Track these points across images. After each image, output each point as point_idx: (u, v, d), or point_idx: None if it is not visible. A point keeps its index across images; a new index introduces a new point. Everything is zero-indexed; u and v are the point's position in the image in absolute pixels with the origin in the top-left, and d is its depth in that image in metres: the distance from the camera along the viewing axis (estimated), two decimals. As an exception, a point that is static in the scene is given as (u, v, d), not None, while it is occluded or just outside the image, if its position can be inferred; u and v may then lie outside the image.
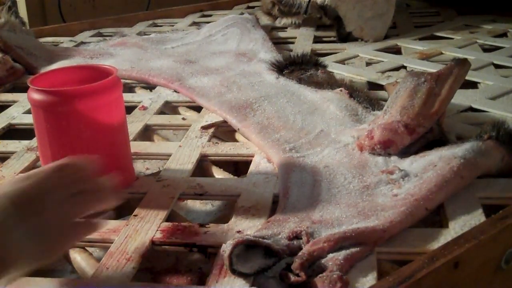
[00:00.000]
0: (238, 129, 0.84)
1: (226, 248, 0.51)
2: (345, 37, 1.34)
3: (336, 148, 0.73)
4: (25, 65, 1.18)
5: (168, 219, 0.63)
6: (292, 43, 1.36)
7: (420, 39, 1.33)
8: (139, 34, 1.48)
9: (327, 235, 0.53)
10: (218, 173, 0.75)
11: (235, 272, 0.50)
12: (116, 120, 0.67)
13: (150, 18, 1.65)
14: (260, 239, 0.51)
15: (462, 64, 0.74)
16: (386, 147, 0.69)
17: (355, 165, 0.69)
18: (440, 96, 0.72)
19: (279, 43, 1.34)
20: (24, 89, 1.03)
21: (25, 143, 0.83)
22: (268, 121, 0.83)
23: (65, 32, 1.52)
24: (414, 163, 0.67)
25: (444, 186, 0.61)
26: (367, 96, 0.87)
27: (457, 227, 0.57)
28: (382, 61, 1.17)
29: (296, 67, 0.99)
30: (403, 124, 0.69)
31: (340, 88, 0.88)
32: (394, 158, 0.69)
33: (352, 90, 0.87)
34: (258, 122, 0.83)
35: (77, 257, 0.59)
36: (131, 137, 0.83)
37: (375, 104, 0.84)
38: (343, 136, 0.76)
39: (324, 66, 1.00)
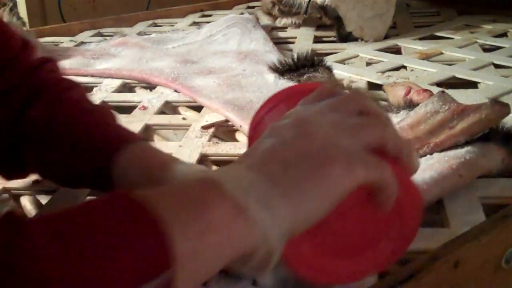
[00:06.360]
0: (240, 126, 0.84)
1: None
2: (345, 37, 1.34)
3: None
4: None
5: (168, 218, 0.62)
6: (292, 43, 1.36)
7: (420, 39, 1.33)
8: (139, 34, 1.48)
9: None
10: (219, 173, 0.75)
11: (235, 272, 0.50)
12: None
13: (150, 18, 1.65)
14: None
15: (497, 106, 0.67)
16: None
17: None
18: (452, 130, 0.67)
19: (279, 43, 1.34)
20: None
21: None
22: (271, 121, 0.83)
23: (65, 32, 1.52)
24: (414, 163, 0.67)
25: (441, 181, 0.61)
26: (372, 100, 0.86)
27: (457, 226, 0.57)
28: (382, 61, 1.17)
29: (298, 68, 0.99)
30: None
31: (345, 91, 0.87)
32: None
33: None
34: (260, 122, 0.83)
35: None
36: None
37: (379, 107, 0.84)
38: None
39: (328, 68, 1.00)
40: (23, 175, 0.67)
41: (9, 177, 0.68)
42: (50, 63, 0.67)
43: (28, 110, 0.61)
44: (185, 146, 0.80)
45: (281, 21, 1.48)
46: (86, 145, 0.59)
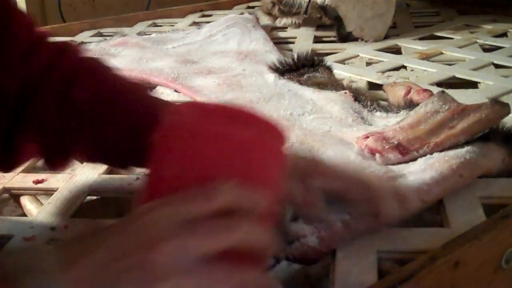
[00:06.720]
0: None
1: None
2: (345, 37, 1.34)
3: (341, 150, 0.73)
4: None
5: (168, 218, 0.62)
6: (292, 43, 1.36)
7: (420, 39, 1.33)
8: (139, 34, 1.48)
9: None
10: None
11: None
12: None
13: (150, 18, 1.65)
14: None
15: (497, 106, 0.67)
16: (372, 154, 0.69)
17: (357, 167, 0.68)
18: (452, 130, 0.67)
19: (279, 43, 1.34)
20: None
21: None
22: (273, 121, 0.83)
23: (65, 32, 1.52)
24: (415, 163, 0.67)
25: (441, 181, 0.61)
26: (372, 99, 0.86)
27: (457, 226, 0.57)
28: (382, 61, 1.17)
29: (298, 68, 0.99)
30: (397, 143, 0.68)
31: (344, 91, 0.87)
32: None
33: (358, 94, 0.87)
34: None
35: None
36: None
37: (379, 107, 0.84)
38: (350, 137, 0.75)
39: (328, 68, 1.00)
40: (65, 164, 0.64)
41: (52, 167, 0.65)
42: (74, 46, 0.67)
43: (73, 91, 0.60)
44: (185, 146, 0.79)
45: (281, 21, 1.48)
46: (135, 120, 0.60)
